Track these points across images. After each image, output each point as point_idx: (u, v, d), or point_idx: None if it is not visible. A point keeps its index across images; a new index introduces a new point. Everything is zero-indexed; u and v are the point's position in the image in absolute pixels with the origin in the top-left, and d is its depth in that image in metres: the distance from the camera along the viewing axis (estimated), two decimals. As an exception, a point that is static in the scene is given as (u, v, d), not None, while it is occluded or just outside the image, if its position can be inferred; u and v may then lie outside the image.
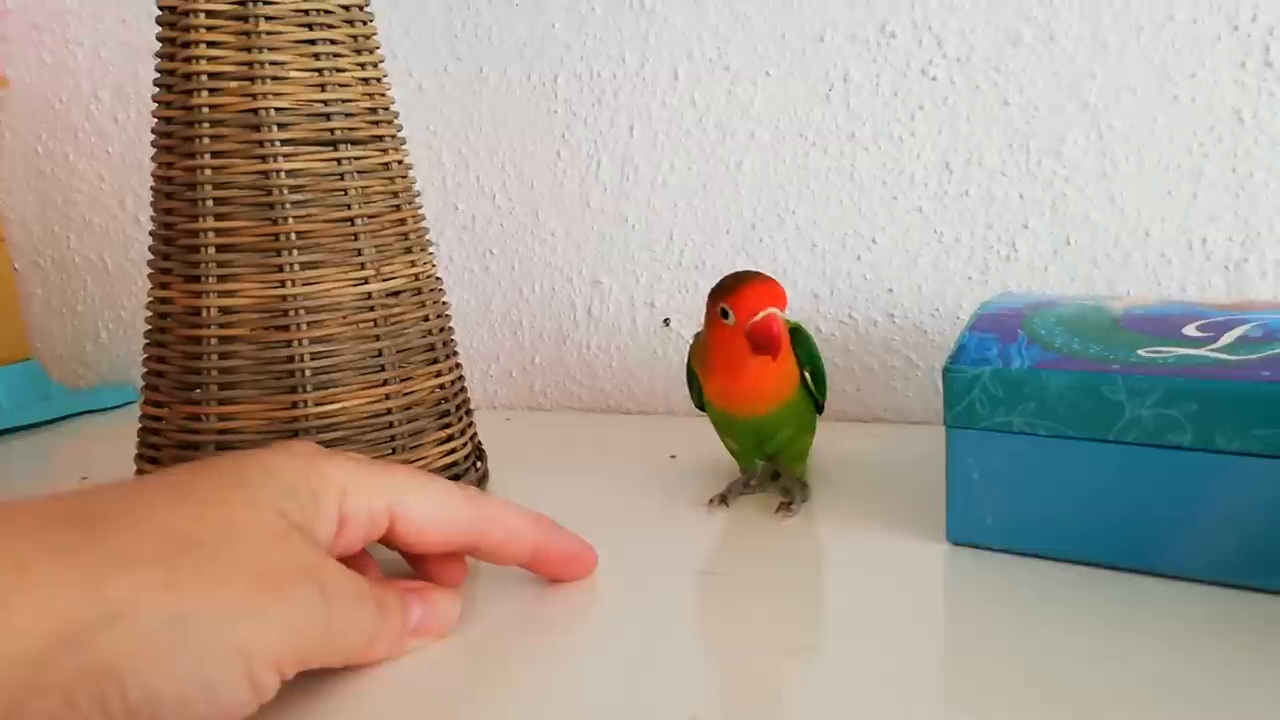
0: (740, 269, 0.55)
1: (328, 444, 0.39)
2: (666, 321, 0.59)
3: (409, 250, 0.42)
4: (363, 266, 0.40)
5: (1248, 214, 0.49)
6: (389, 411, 0.41)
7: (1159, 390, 0.33)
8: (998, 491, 0.36)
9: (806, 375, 0.42)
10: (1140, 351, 0.34)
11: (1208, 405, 0.32)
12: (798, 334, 0.41)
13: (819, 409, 0.44)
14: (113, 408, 0.66)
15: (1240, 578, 0.32)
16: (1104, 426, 0.34)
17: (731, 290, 0.38)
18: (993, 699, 0.27)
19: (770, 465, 0.45)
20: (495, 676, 0.29)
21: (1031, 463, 0.35)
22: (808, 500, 0.43)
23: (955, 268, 0.54)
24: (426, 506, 0.30)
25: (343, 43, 0.40)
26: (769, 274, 0.39)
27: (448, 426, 0.43)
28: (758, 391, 0.40)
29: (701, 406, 0.44)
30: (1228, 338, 0.34)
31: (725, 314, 0.39)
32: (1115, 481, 0.34)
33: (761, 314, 0.37)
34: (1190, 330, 0.35)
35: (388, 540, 0.31)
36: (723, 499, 0.43)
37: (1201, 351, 0.33)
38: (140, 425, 0.43)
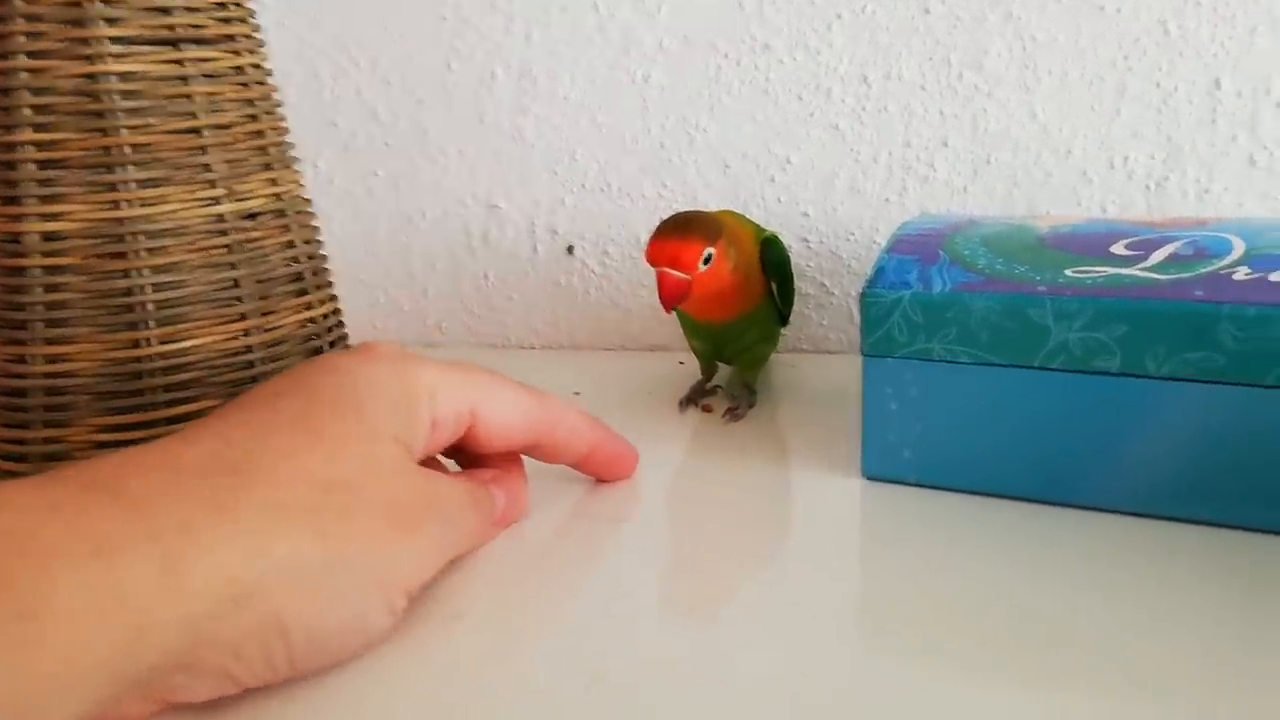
0: (651, 194, 0.53)
1: (177, 386, 0.35)
2: (570, 249, 0.56)
3: (268, 167, 0.37)
4: (213, 185, 0.35)
5: (1170, 131, 0.47)
6: (249, 349, 0.36)
7: (1087, 312, 0.30)
8: (916, 423, 0.34)
9: (773, 287, 0.42)
10: (1068, 271, 0.32)
11: (1138, 327, 0.30)
12: (769, 245, 0.42)
13: (783, 320, 0.45)
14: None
15: (1171, 510, 0.31)
16: (1029, 352, 0.31)
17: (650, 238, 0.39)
18: (912, 640, 0.25)
19: (706, 381, 0.46)
20: (378, 654, 0.26)
21: (952, 392, 0.33)
22: (754, 405, 0.44)
23: (872, 189, 0.51)
24: (505, 407, 0.31)
25: (179, -78, 0.35)
26: (686, 212, 0.40)
27: (322, 365, 0.39)
28: (721, 302, 0.41)
29: None
30: (1157, 256, 0.32)
31: None
32: (1040, 411, 0.32)
33: (656, 270, 0.38)
34: (1118, 249, 0.33)
35: (465, 442, 0.31)
36: (690, 401, 0.44)
37: (1131, 271, 0.31)
38: (-39, 369, 0.37)
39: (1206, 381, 0.29)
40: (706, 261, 0.38)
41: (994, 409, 0.32)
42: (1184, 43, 0.46)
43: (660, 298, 0.38)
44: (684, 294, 0.38)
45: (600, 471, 0.36)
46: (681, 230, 0.38)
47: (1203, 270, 0.30)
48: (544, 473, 0.35)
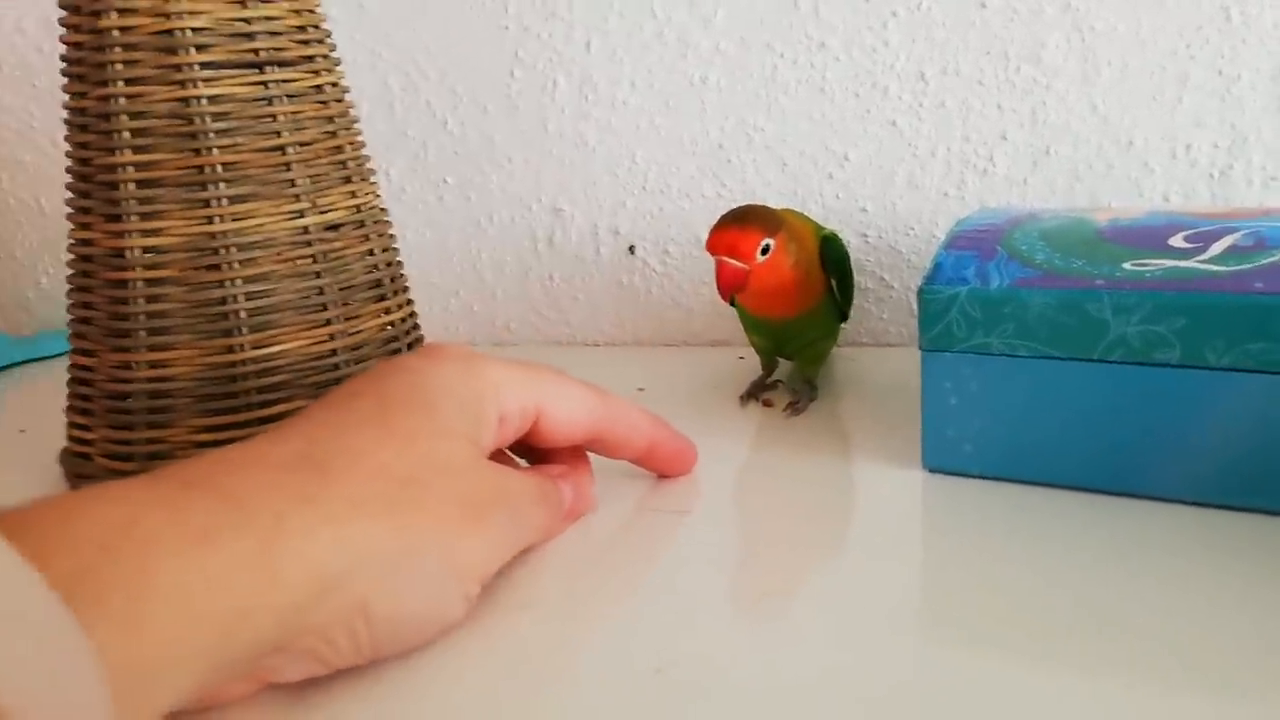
0: (710, 193, 0.54)
1: (269, 388, 0.37)
2: (632, 249, 0.57)
3: (348, 180, 0.39)
4: (297, 199, 0.37)
5: (1234, 118, 0.47)
6: (334, 353, 0.38)
7: (1146, 306, 0.31)
8: (976, 416, 0.34)
9: (833, 284, 0.43)
10: (1126, 265, 0.32)
11: (1197, 320, 0.30)
12: (829, 244, 0.43)
13: (843, 317, 0.46)
14: (56, 355, 0.63)
15: (1230, 499, 0.31)
16: (1088, 346, 0.32)
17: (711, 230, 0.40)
18: (974, 631, 0.26)
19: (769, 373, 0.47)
20: (449, 644, 0.27)
21: (1011, 386, 0.33)
22: (814, 400, 0.45)
23: (931, 184, 0.51)
24: (567, 402, 0.32)
25: (263, -47, 0.37)
26: (748, 205, 0.41)
27: (400, 367, 0.41)
28: (781, 298, 0.41)
29: (734, 303, 0.45)
30: (1217, 248, 0.32)
31: None
32: (1099, 403, 0.32)
33: (715, 260, 0.39)
34: (1177, 241, 0.33)
35: (530, 437, 0.32)
36: (750, 395, 0.45)
37: (1190, 263, 0.32)
38: (70, 375, 0.40)
39: (1267, 372, 0.29)
40: (764, 252, 0.39)
41: (1053, 401, 0.33)
42: (1246, 29, 0.46)
43: (718, 286, 0.40)
44: (741, 283, 0.39)
45: (661, 467, 0.37)
46: (740, 221, 0.39)
47: (1264, 261, 0.31)
48: (610, 469, 0.36)
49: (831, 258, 0.43)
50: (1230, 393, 0.30)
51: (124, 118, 0.36)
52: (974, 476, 0.35)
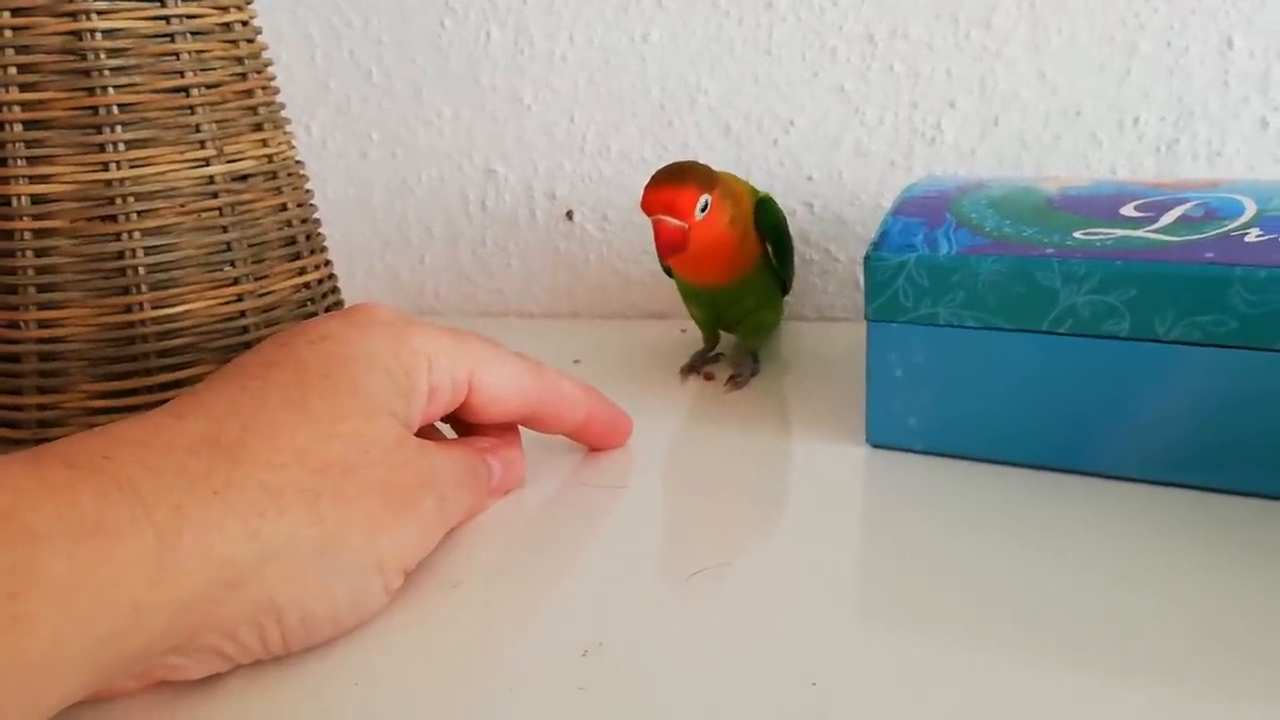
0: (651, 157, 0.53)
1: (171, 352, 0.34)
2: (569, 214, 0.55)
3: (259, 127, 0.36)
4: (202, 145, 0.35)
5: (1181, 92, 0.46)
6: (242, 315, 0.35)
7: (1096, 275, 0.30)
8: (922, 389, 0.33)
9: (769, 249, 0.41)
10: (1076, 234, 0.31)
11: (1147, 290, 0.29)
12: (764, 206, 0.41)
13: (785, 288, 0.44)
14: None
15: (1180, 477, 0.30)
16: (1037, 317, 0.31)
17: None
18: (914, 611, 0.25)
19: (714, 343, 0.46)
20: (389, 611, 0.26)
21: (958, 358, 0.32)
22: (756, 374, 0.43)
23: (878, 151, 0.50)
24: (502, 376, 0.30)
25: (164, -127, 0.34)
26: (680, 161, 0.39)
27: (318, 331, 0.39)
28: (715, 262, 0.40)
29: (670, 273, 0.44)
30: (1168, 218, 0.31)
31: None
32: (1047, 377, 0.31)
33: (652, 219, 0.37)
34: (1128, 210, 0.32)
35: (460, 411, 0.30)
36: (691, 369, 0.44)
37: (1141, 233, 0.31)
38: (-48, 335, 0.37)
39: (1217, 345, 0.29)
40: (703, 209, 0.37)
41: (1000, 374, 0.32)
42: (1196, 1, 0.45)
43: (656, 247, 0.38)
44: (681, 243, 0.37)
45: (596, 440, 0.35)
46: (677, 178, 0.37)
47: (1213, 232, 0.30)
48: (543, 441, 0.34)
49: (767, 221, 0.41)
50: (1179, 366, 0.29)
51: (10, 52, 0.33)
52: (918, 452, 0.34)
